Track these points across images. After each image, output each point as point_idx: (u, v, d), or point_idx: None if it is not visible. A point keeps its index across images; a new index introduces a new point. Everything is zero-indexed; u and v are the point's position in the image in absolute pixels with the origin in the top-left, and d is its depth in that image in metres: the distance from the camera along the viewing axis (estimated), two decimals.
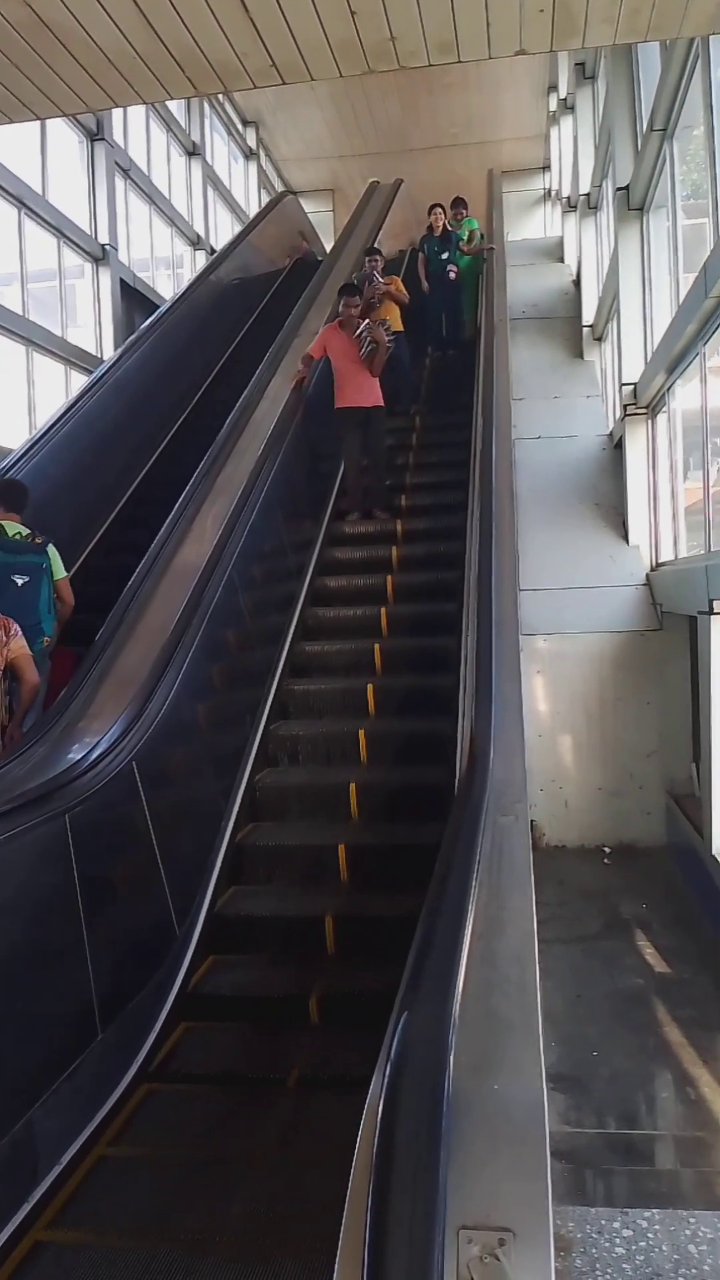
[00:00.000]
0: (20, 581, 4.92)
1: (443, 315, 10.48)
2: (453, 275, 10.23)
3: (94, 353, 10.88)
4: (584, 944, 5.73)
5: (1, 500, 5.15)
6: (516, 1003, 1.83)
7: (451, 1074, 1.56)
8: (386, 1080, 1.55)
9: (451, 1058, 1.60)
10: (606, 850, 7.62)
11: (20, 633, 4.35)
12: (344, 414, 7.27)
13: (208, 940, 3.90)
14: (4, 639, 4.26)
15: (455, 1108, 1.50)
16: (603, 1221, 2.77)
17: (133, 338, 8.79)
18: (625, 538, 8.78)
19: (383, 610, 6.12)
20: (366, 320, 7.29)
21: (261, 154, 18.81)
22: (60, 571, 5.10)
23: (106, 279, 11.34)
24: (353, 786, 4.64)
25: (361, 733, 5.02)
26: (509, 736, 3.49)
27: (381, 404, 7.34)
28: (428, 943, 1.95)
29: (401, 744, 5.03)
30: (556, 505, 9.08)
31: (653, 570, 8.43)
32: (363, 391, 7.21)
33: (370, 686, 5.39)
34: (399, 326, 8.72)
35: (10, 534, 4.99)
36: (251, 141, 18.40)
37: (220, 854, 4.28)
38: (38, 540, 5.04)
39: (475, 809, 2.81)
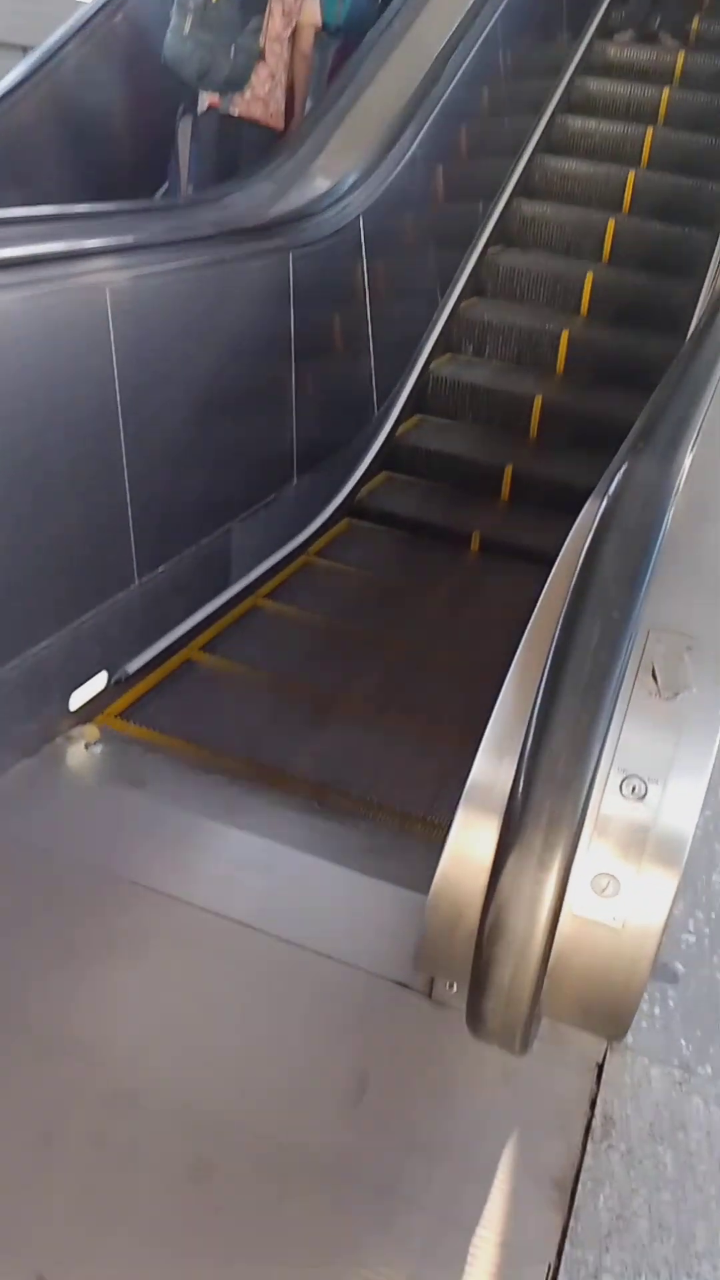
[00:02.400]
0: None
1: None
2: None
3: None
4: None
5: None
6: None
7: (669, 517, 1.55)
8: (604, 502, 1.55)
9: (672, 504, 1.58)
10: None
11: None
12: None
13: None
14: None
15: (667, 544, 1.51)
16: None
17: None
18: None
19: (630, 174, 4.86)
20: None
21: None
22: None
23: None
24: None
25: (565, 334, 4.34)
26: None
27: None
28: (658, 410, 1.86)
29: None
30: None
31: None
32: None
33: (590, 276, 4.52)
34: None
35: None
36: None
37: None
38: None
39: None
